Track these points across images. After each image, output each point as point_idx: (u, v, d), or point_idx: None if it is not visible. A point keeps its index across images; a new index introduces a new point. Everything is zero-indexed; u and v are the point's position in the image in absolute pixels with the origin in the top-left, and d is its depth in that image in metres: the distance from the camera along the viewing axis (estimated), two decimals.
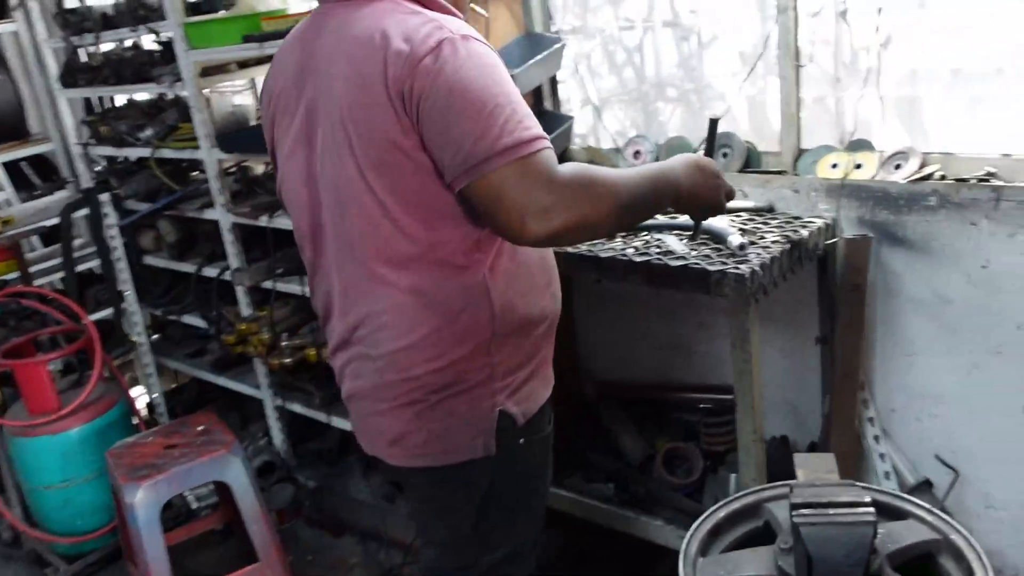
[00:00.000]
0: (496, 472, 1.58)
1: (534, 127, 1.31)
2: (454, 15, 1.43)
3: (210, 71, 3.09)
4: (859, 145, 2.32)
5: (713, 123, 1.87)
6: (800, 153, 2.45)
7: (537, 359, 1.59)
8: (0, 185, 3.69)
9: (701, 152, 1.74)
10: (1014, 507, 2.30)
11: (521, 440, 1.58)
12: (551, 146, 1.33)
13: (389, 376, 1.52)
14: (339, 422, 3.06)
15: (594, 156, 2.79)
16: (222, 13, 3.03)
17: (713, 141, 1.86)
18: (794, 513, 1.36)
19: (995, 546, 2.29)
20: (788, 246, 2.16)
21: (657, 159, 2.68)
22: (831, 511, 1.35)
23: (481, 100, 1.29)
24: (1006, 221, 2.08)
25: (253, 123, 3.25)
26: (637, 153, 2.71)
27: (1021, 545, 2.30)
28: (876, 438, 2.45)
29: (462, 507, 1.63)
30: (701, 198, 1.57)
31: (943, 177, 2.19)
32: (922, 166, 2.24)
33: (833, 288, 2.36)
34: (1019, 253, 2.08)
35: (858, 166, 2.31)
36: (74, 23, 3.36)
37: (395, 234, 1.42)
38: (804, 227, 2.28)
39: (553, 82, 2.92)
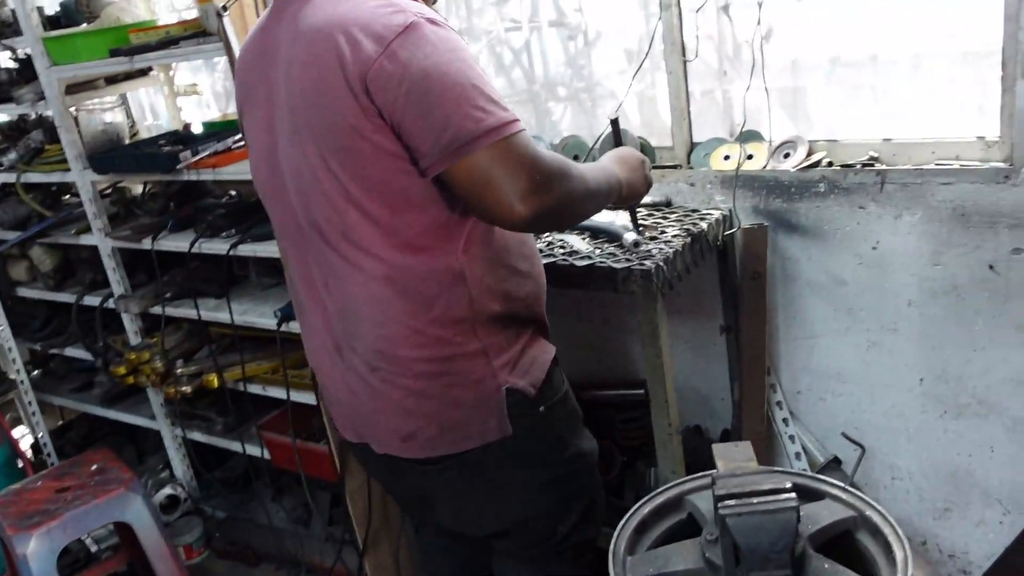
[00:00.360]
0: (528, 445, 1.55)
1: (510, 109, 1.32)
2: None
3: (76, 88, 2.91)
4: (749, 136, 2.37)
5: (614, 123, 1.87)
6: (693, 147, 2.48)
7: (530, 331, 1.56)
8: None
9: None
10: (917, 477, 2.39)
11: (541, 408, 1.54)
12: (523, 127, 1.33)
13: (380, 372, 1.48)
14: (245, 447, 2.93)
15: None
16: (85, 26, 2.86)
17: (619, 140, 1.86)
18: (719, 505, 1.36)
19: (903, 515, 2.38)
20: (689, 239, 2.18)
21: None
22: (755, 500, 1.35)
23: (459, 83, 1.28)
24: (891, 203, 2.16)
25: (128, 141, 3.09)
26: None
27: (926, 512, 2.39)
28: (785, 420, 2.50)
29: (507, 486, 1.58)
30: (638, 191, 1.70)
31: (830, 164, 2.26)
32: (810, 154, 2.30)
33: (734, 277, 2.40)
34: (905, 234, 2.17)
35: (749, 157, 2.36)
36: None
37: (361, 220, 1.39)
38: (703, 219, 2.31)
39: None
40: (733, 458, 1.55)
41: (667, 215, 2.37)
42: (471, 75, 1.30)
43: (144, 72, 3.14)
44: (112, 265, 2.98)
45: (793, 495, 1.36)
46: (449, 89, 1.28)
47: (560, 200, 1.34)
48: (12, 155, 3.11)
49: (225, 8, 2.15)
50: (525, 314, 1.55)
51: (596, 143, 2.43)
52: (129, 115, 3.35)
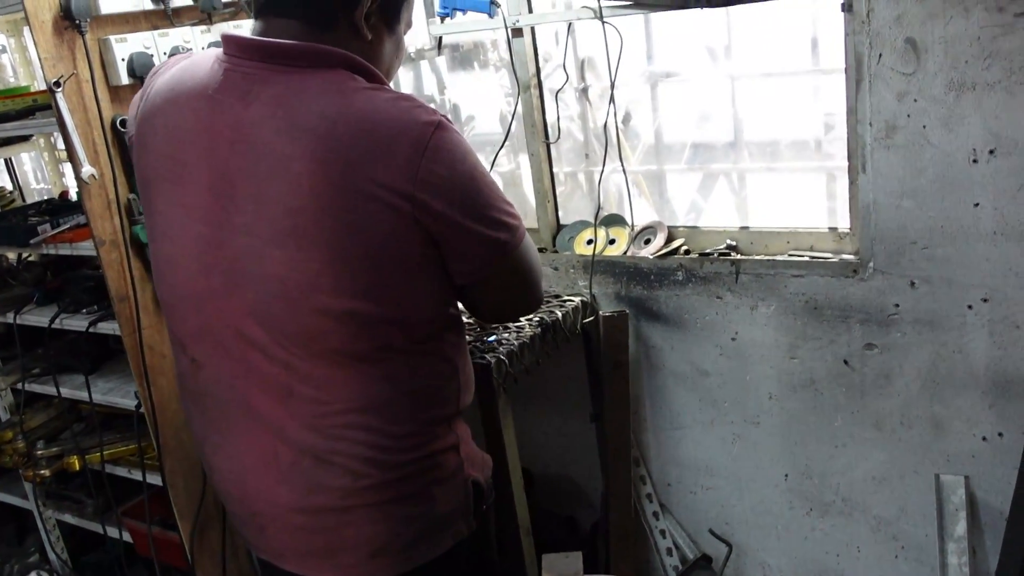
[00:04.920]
0: (476, 544, 1.47)
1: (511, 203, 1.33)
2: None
3: None
4: (612, 220, 2.31)
5: None
6: (559, 229, 2.42)
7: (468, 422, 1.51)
8: None
9: None
10: (788, 574, 2.28)
11: (484, 506, 1.48)
12: None
13: (364, 480, 1.33)
14: (115, 532, 2.79)
15: None
16: None
17: None
18: None
19: None
20: (540, 330, 2.10)
21: None
22: None
23: (490, 187, 1.27)
24: (746, 294, 2.09)
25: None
26: None
27: None
28: (655, 514, 2.40)
29: None
30: None
31: (688, 251, 2.20)
32: (670, 240, 2.23)
33: (599, 365, 2.32)
34: (762, 325, 2.10)
35: (612, 241, 2.29)
36: None
37: (364, 328, 1.25)
38: (562, 306, 2.23)
39: None
40: (560, 571, 1.52)
41: None
42: (487, 176, 1.29)
43: (26, 137, 3.06)
44: None
45: None
46: (490, 191, 1.27)
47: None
48: None
49: (58, 84, 2.08)
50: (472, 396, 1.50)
51: None
52: (13, 179, 3.26)
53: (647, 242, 2.26)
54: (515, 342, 2.03)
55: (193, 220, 1.30)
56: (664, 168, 2.30)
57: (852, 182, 1.95)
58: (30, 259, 3.03)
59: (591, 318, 2.25)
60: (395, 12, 1.34)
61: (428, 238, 1.22)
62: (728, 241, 2.16)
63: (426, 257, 1.25)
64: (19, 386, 2.84)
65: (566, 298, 2.28)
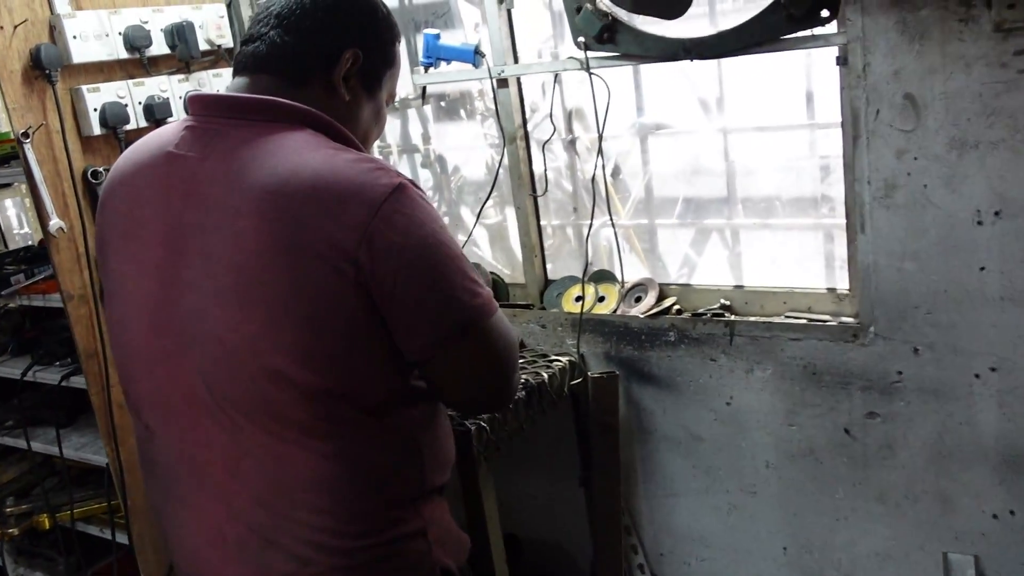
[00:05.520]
0: None
1: (479, 278, 1.22)
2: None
3: None
4: (602, 276, 2.21)
5: None
6: (548, 284, 2.32)
7: (446, 500, 1.38)
8: None
9: None
10: None
11: None
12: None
13: (312, 567, 1.22)
14: None
15: None
16: None
17: None
18: None
19: None
20: (524, 393, 1.99)
21: None
22: None
23: (450, 258, 1.17)
24: (741, 357, 1.98)
25: None
26: None
27: None
28: None
29: None
30: None
31: (680, 311, 2.10)
32: (661, 298, 2.14)
33: (588, 428, 2.21)
34: (758, 390, 1.99)
35: (601, 298, 2.20)
36: None
37: (308, 396, 1.16)
38: (549, 366, 2.13)
39: None
40: None
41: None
42: (453, 245, 1.19)
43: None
44: None
45: None
46: (449, 262, 1.17)
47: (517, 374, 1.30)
48: None
49: (26, 135, 2.01)
50: (449, 481, 1.38)
51: None
52: None
53: (638, 300, 2.16)
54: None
55: (146, 276, 1.23)
56: (655, 223, 2.21)
57: (851, 242, 1.86)
58: (8, 307, 2.95)
59: (579, 379, 2.14)
60: (376, 79, 1.31)
61: (373, 306, 1.14)
62: (722, 300, 2.06)
63: (372, 325, 1.16)
64: None
65: (553, 358, 2.18)
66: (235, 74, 1.27)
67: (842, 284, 1.95)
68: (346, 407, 1.19)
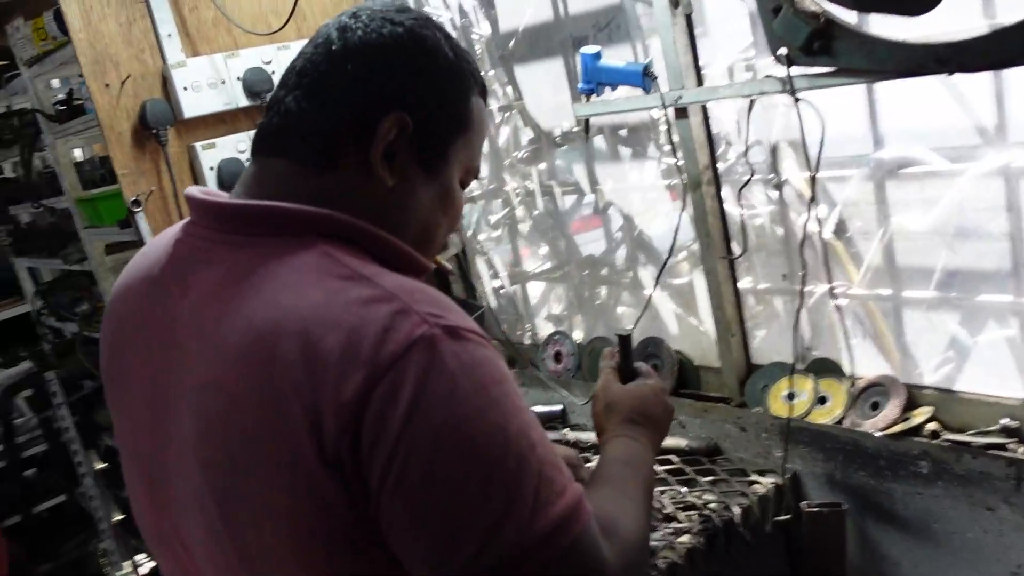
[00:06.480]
0: None
1: (567, 484, 0.77)
2: (417, 268, 0.88)
3: (115, 247, 2.73)
4: (823, 367, 1.61)
5: (623, 340, 1.23)
6: (751, 371, 1.75)
7: None
8: None
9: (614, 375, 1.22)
10: None
11: None
12: (590, 509, 0.78)
13: None
14: None
15: (512, 354, 2.18)
16: (109, 188, 2.68)
17: (629, 365, 1.22)
18: None
19: None
20: (704, 538, 1.47)
21: (579, 364, 2.04)
22: None
23: (491, 458, 0.74)
24: None
25: None
26: (558, 355, 2.08)
27: None
28: None
29: None
30: (659, 442, 1.15)
31: (935, 433, 1.44)
32: (909, 407, 1.50)
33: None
34: None
35: (822, 400, 1.60)
36: None
37: None
38: (746, 491, 1.58)
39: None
40: None
41: (707, 470, 1.67)
42: (512, 437, 0.75)
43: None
44: None
45: None
46: (472, 468, 0.73)
47: None
48: (85, 306, 3.07)
49: (137, 203, 1.81)
50: None
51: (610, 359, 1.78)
52: None
53: (874, 407, 1.54)
54: (660, 561, 1.42)
55: (140, 440, 0.97)
56: (902, 296, 1.55)
57: None
58: None
59: (785, 517, 1.57)
60: (438, 152, 0.90)
61: (355, 517, 0.75)
62: (1004, 420, 1.39)
63: (361, 535, 0.77)
64: None
65: (754, 478, 1.62)
66: (251, 156, 0.92)
67: None
68: None
